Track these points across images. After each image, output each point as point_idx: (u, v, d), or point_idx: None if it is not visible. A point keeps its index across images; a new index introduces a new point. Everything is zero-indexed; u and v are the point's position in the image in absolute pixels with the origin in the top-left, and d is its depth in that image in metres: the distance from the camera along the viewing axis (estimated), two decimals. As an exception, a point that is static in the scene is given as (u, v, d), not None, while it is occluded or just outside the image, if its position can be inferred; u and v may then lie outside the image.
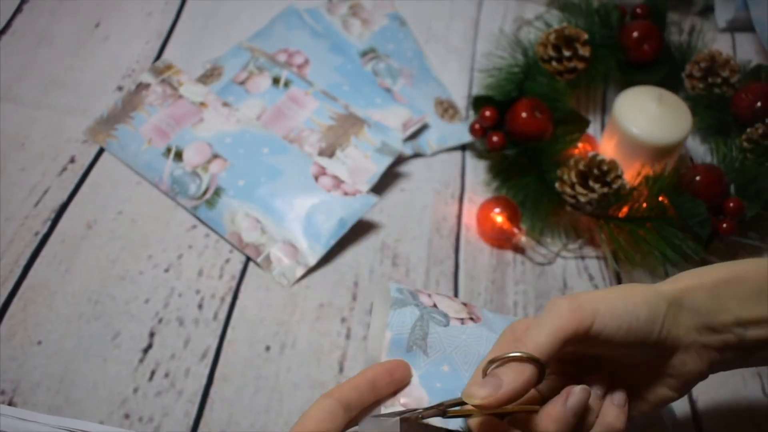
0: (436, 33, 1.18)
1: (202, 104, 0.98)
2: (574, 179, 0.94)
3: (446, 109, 1.08)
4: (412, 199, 0.99)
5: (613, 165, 0.94)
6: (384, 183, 0.98)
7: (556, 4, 1.20)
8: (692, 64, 1.10)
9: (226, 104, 0.98)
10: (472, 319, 0.69)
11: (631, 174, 0.98)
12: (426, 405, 0.61)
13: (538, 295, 0.93)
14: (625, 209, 0.97)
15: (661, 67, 1.11)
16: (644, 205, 0.96)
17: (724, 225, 0.95)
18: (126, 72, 1.07)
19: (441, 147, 1.05)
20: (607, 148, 1.05)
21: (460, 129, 1.06)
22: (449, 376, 0.65)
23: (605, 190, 0.93)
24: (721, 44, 1.20)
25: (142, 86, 1.00)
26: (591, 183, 0.94)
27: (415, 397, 0.63)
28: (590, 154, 0.96)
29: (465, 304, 0.72)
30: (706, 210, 0.93)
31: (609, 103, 1.14)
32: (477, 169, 1.04)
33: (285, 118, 0.99)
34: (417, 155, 1.04)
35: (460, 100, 1.11)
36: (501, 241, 0.98)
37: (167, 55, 1.09)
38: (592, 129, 1.09)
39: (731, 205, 0.95)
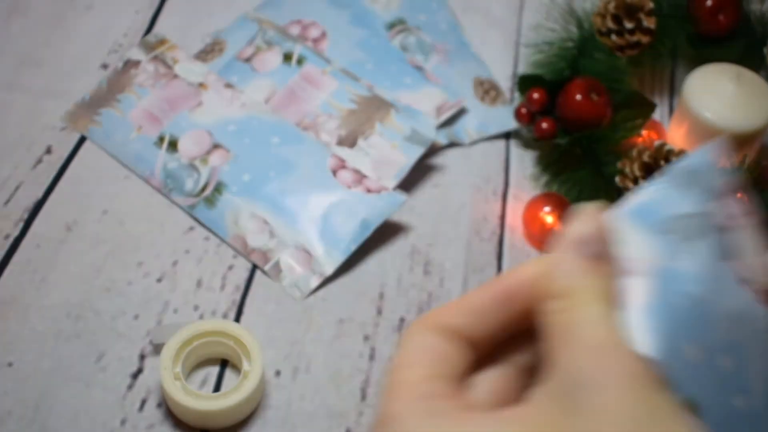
0: (475, 2, 1.15)
1: (202, 85, 0.95)
2: (638, 173, 0.91)
3: (487, 90, 1.05)
4: (448, 197, 0.97)
5: (683, 156, 0.91)
6: (414, 177, 0.96)
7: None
8: (776, 37, 1.07)
9: (229, 85, 0.96)
10: None
11: None
12: None
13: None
14: (697, 208, 0.93)
15: (738, 42, 1.08)
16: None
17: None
18: (112, 47, 1.05)
19: (481, 135, 1.02)
20: (675, 136, 1.02)
21: (503, 114, 1.03)
22: None
23: (675, 186, 0.90)
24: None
25: (130, 64, 0.97)
26: (657, 177, 0.90)
27: None
28: (656, 143, 0.93)
29: None
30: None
31: (678, 84, 1.10)
32: (523, 161, 1.01)
33: (298, 101, 0.96)
34: (453, 144, 1.01)
35: (504, 81, 1.08)
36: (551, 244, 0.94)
37: (160, 27, 1.07)
38: (659, 114, 1.06)
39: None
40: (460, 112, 1.03)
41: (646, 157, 0.91)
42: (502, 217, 0.96)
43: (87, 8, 1.08)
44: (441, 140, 1.00)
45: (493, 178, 0.99)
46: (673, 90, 1.11)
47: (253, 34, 1.02)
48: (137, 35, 1.06)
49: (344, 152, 0.93)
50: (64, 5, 1.08)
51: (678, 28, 1.08)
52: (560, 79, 1.00)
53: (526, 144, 1.03)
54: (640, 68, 1.08)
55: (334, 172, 0.91)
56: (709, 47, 1.08)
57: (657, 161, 0.91)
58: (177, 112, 0.94)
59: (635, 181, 0.92)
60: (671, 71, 1.13)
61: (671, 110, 1.09)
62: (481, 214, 0.96)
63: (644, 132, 1.02)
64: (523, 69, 1.08)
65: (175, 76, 0.96)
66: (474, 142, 1.02)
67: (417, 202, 0.95)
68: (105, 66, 1.02)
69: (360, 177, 0.91)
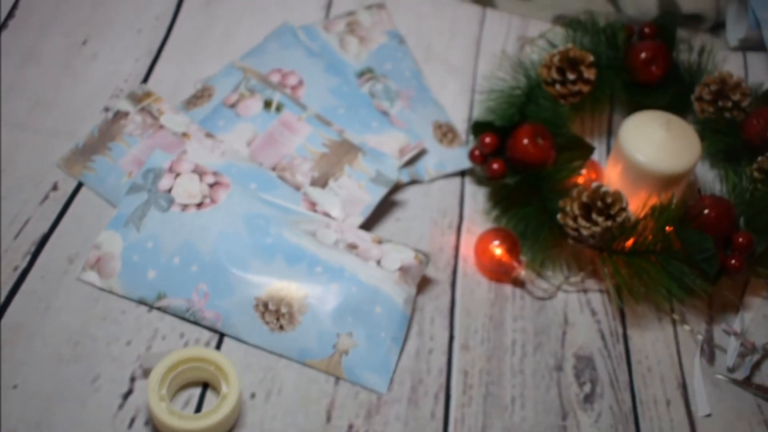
0: (436, 52, 1.13)
1: (185, 135, 0.93)
2: (577, 211, 0.90)
3: (445, 133, 1.03)
4: (409, 230, 0.95)
5: (617, 197, 0.90)
6: (379, 212, 0.94)
7: (561, 21, 1.15)
8: (702, 87, 1.05)
9: (209, 135, 0.94)
10: None
11: (636, 203, 0.94)
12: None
13: (537, 332, 0.89)
14: (629, 241, 0.92)
15: (669, 90, 1.06)
16: (650, 237, 0.92)
17: (733, 261, 0.90)
18: (114, 92, 1.02)
19: (439, 173, 1.01)
20: (612, 174, 1.01)
21: (459, 154, 1.02)
22: (150, 251, 0.85)
23: (609, 223, 0.89)
24: (732, 64, 1.16)
25: (120, 115, 0.95)
26: (594, 216, 0.89)
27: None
28: (594, 185, 0.91)
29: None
30: (713, 246, 0.89)
31: (615, 126, 1.09)
32: (476, 197, 1.00)
33: (276, 145, 0.94)
34: (414, 182, 1.00)
35: (460, 123, 1.06)
36: (500, 274, 0.94)
37: (157, 73, 1.05)
38: (598, 153, 1.05)
39: (740, 240, 0.91)
40: (421, 153, 1.01)
41: (584, 198, 0.90)
42: (457, 248, 0.95)
43: (93, 56, 1.06)
44: (403, 178, 0.99)
45: (449, 213, 0.98)
46: (610, 131, 1.10)
47: (238, 81, 1.00)
48: (137, 81, 1.04)
49: (316, 193, 0.92)
50: (73, 53, 1.06)
51: (615, 77, 1.06)
52: (510, 125, 0.98)
53: (479, 181, 1.02)
54: (581, 112, 1.07)
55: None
56: (642, 94, 1.07)
57: (594, 201, 0.90)
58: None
59: (574, 219, 0.90)
60: (609, 115, 1.11)
61: (609, 149, 1.08)
62: (437, 245, 0.95)
63: (584, 171, 1.01)
64: (477, 113, 1.06)
65: (161, 127, 0.94)
66: (433, 180, 1.01)
67: (381, 234, 0.94)
68: (107, 109, 1.00)
69: (328, 219, 0.90)
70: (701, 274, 0.90)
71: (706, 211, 0.91)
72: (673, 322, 0.93)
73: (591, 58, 1.01)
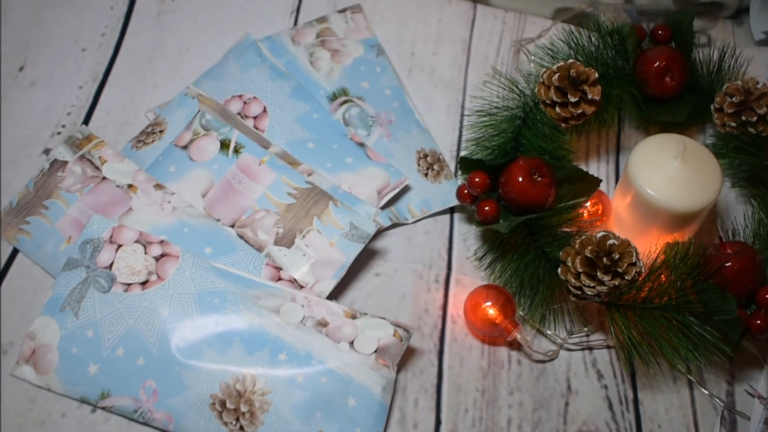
0: (420, 60, 0.97)
1: (131, 187, 0.80)
2: (580, 268, 0.76)
3: (431, 164, 0.89)
4: (389, 287, 0.82)
5: (626, 250, 0.76)
6: (355, 267, 0.81)
7: (562, 17, 0.99)
8: (722, 96, 0.90)
9: (159, 186, 0.80)
10: None
11: (646, 243, 0.80)
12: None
13: (536, 406, 0.77)
14: (642, 292, 0.78)
15: (686, 104, 0.91)
16: (664, 288, 0.78)
17: (758, 321, 0.77)
18: (55, 128, 0.89)
19: (425, 213, 0.87)
20: (620, 206, 0.86)
21: (447, 189, 0.88)
22: (90, 341, 0.72)
23: (616, 281, 0.75)
24: (757, 66, 0.99)
25: (57, 164, 0.81)
26: (599, 274, 0.75)
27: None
28: (599, 235, 0.77)
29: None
30: (736, 307, 0.75)
31: (625, 143, 0.94)
32: (468, 239, 0.86)
33: (235, 196, 0.80)
34: (396, 225, 0.85)
35: (448, 149, 0.92)
36: (493, 337, 0.80)
37: (104, 102, 0.90)
38: (605, 175, 0.92)
39: (767, 296, 0.77)
40: (404, 190, 0.87)
41: (587, 252, 0.76)
42: (444, 307, 0.82)
43: (31, 85, 0.92)
44: (383, 222, 0.85)
45: (436, 262, 0.84)
46: (619, 148, 0.95)
47: (192, 114, 0.85)
48: (81, 112, 0.90)
49: (281, 254, 0.78)
50: (8, 83, 0.91)
51: (624, 90, 0.90)
52: (501, 162, 0.83)
53: (471, 219, 0.88)
54: (587, 129, 0.91)
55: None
56: (656, 110, 0.91)
57: (599, 256, 0.76)
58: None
59: (577, 276, 0.76)
60: (618, 129, 0.96)
61: (617, 170, 0.93)
62: (422, 304, 0.82)
63: (589, 203, 0.86)
64: (468, 134, 0.90)
65: (104, 179, 0.80)
66: (418, 220, 0.87)
67: (358, 294, 0.81)
68: (47, 151, 0.86)
69: (296, 287, 0.77)
70: (722, 334, 0.76)
71: (728, 264, 0.77)
72: (690, 384, 0.80)
73: (595, 76, 0.86)
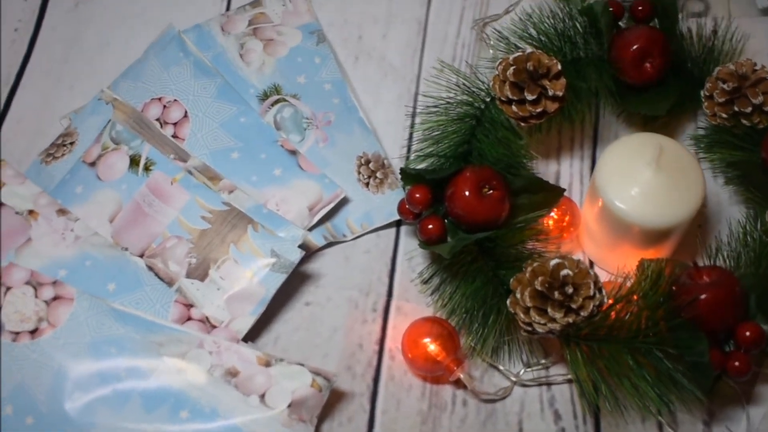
0: (369, 45, 0.85)
1: (31, 213, 0.71)
2: (529, 302, 0.65)
3: (373, 172, 0.78)
4: (320, 318, 0.73)
5: (582, 281, 0.65)
6: (283, 294, 0.72)
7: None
8: (713, 82, 0.76)
9: (62, 211, 0.71)
10: None
11: (618, 258, 0.70)
12: None
13: (482, 457, 0.67)
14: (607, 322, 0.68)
15: (670, 92, 0.78)
16: (630, 319, 0.67)
17: (736, 363, 0.65)
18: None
19: (365, 228, 0.76)
20: (589, 216, 0.75)
21: (392, 200, 0.77)
22: None
23: (570, 319, 0.65)
24: (759, 39, 0.84)
25: (-50, 192, 0.73)
26: (550, 310, 0.65)
27: None
28: (552, 262, 0.67)
29: None
30: (707, 349, 0.64)
31: (604, 134, 0.81)
32: (414, 258, 0.76)
33: (145, 221, 0.71)
34: (333, 243, 0.75)
35: (396, 151, 0.80)
36: (435, 376, 0.71)
37: (16, 108, 0.82)
38: (580, 177, 0.79)
39: (747, 333, 0.66)
40: (342, 202, 0.76)
41: (538, 285, 0.65)
42: (381, 341, 0.72)
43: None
44: (317, 241, 0.75)
45: (375, 287, 0.74)
46: (596, 140, 0.82)
47: (104, 124, 0.76)
48: (-10, 121, 0.80)
49: (193, 288, 0.69)
50: None
51: (598, 76, 0.78)
52: (446, 174, 0.72)
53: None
54: (558, 119, 0.79)
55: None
56: (634, 100, 0.78)
57: (551, 288, 0.65)
58: (2, 252, 0.70)
59: (526, 312, 0.66)
60: (594, 121, 0.83)
61: (594, 166, 0.80)
62: (356, 339, 0.72)
63: (555, 212, 0.75)
64: (417, 136, 0.78)
65: (1, 205, 0.71)
66: (358, 236, 0.76)
67: (284, 329, 0.72)
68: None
69: (208, 327, 0.68)
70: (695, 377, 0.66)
71: (702, 297, 0.66)
72: (660, 426, 0.69)
73: (558, 68, 0.73)
